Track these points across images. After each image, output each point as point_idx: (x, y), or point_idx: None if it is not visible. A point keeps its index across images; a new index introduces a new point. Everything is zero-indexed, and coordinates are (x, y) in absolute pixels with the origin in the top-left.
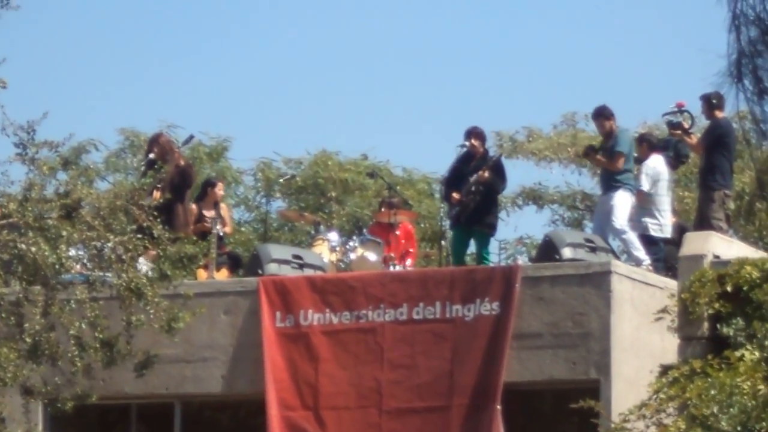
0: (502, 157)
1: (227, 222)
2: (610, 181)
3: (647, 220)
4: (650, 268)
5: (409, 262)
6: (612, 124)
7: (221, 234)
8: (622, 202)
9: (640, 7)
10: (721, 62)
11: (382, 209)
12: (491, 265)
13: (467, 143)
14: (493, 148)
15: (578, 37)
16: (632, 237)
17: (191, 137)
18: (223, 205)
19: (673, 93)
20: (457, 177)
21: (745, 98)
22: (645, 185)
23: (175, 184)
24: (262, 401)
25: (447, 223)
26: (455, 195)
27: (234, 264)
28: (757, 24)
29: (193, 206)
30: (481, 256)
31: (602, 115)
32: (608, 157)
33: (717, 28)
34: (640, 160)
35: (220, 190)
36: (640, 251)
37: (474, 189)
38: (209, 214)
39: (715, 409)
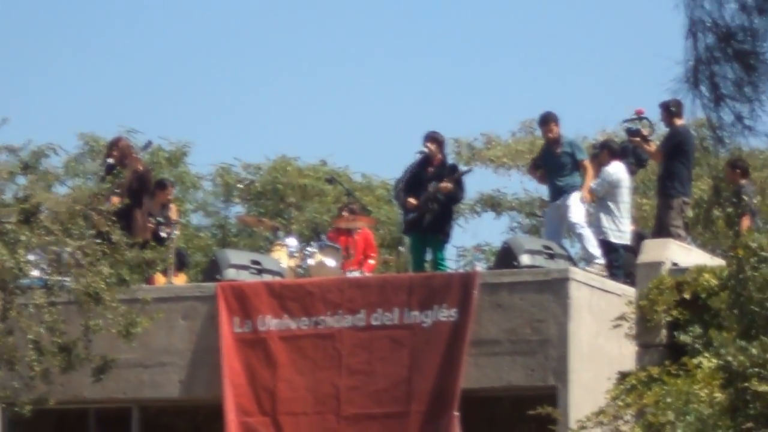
0: (468, 173)
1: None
2: (561, 187)
3: (607, 225)
4: (604, 268)
5: (370, 264)
6: (559, 129)
7: (169, 235)
8: (577, 202)
9: (597, 14)
10: (678, 69)
11: (344, 214)
12: (449, 271)
13: (425, 148)
14: (451, 155)
15: (536, 43)
16: (588, 233)
17: (150, 142)
18: (172, 206)
19: (631, 100)
20: (414, 182)
21: (702, 105)
22: (597, 188)
23: (133, 189)
24: (219, 406)
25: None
26: (411, 200)
27: (180, 262)
28: (714, 31)
29: None
30: (437, 261)
31: (552, 120)
32: (566, 167)
33: (674, 34)
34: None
35: (169, 194)
36: (594, 248)
37: (433, 197)
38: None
39: (672, 417)
